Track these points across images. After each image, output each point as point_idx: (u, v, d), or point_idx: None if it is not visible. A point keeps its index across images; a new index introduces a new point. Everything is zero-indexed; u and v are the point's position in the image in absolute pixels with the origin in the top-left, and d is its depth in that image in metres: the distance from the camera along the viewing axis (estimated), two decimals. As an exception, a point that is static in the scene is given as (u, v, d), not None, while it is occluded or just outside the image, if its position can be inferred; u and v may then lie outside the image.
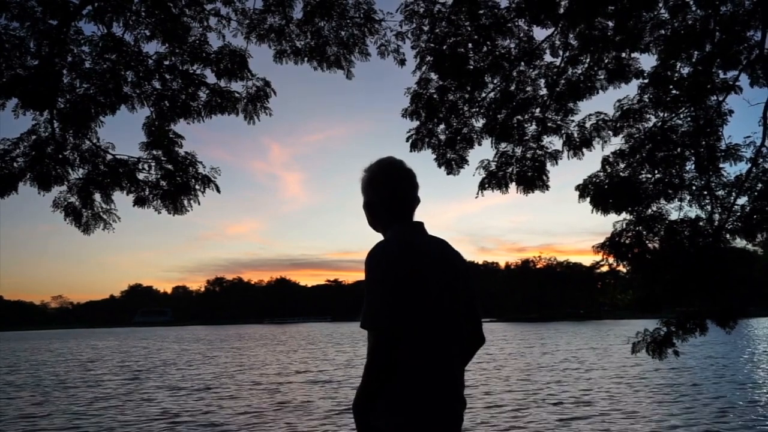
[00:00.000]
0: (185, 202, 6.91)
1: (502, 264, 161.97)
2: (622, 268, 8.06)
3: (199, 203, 6.93)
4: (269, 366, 27.58)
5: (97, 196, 6.87)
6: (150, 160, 6.95)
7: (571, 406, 14.10)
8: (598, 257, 7.92)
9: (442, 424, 2.19)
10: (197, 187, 6.88)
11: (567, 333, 56.45)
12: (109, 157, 6.91)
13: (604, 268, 8.33)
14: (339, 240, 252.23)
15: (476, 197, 7.69)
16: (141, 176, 6.94)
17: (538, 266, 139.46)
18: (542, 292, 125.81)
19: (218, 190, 6.96)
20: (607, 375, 20.40)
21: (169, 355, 37.97)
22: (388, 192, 2.44)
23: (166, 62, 6.84)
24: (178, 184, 6.86)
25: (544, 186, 7.59)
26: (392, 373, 2.15)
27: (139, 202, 6.90)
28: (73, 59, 6.59)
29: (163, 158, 6.93)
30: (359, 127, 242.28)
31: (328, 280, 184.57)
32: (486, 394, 16.47)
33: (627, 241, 7.69)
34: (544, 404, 14.49)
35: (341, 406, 14.68)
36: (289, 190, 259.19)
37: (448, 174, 7.68)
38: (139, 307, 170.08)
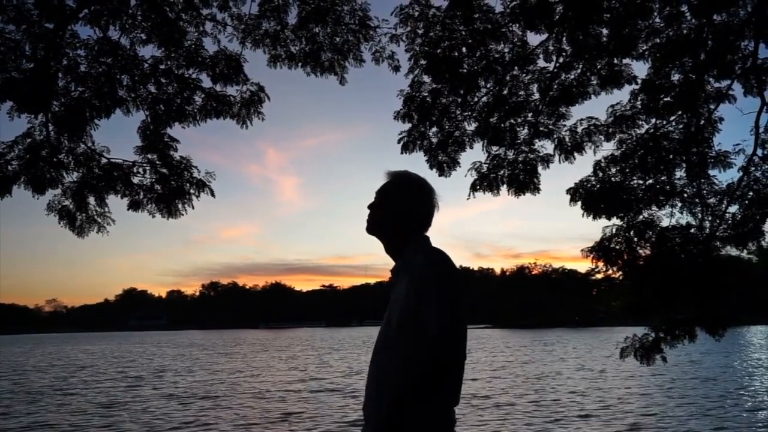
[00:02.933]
0: (180, 206, 6.92)
1: (498, 270, 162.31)
2: (616, 275, 8.09)
3: (193, 207, 6.95)
4: (276, 373, 27.40)
5: (92, 200, 6.88)
6: (145, 164, 6.96)
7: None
8: (594, 264, 7.95)
9: None
10: (192, 191, 6.90)
11: (571, 340, 56.26)
12: (103, 160, 6.92)
13: (600, 275, 8.36)
14: (334, 245, 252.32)
15: (467, 199, 7.78)
16: (136, 180, 6.95)
17: (533, 273, 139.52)
18: (537, 298, 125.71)
19: (213, 195, 6.98)
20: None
21: (169, 362, 37.89)
22: (425, 207, 2.51)
23: (162, 66, 6.86)
24: (172, 188, 6.88)
25: (535, 189, 7.63)
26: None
27: (134, 205, 6.91)
28: (69, 62, 6.60)
29: (157, 162, 6.94)
30: (355, 132, 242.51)
31: (323, 285, 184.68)
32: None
33: (617, 247, 7.73)
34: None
35: (350, 417, 14.36)
36: (284, 195, 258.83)
37: (440, 175, 7.70)
38: (133, 311, 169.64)
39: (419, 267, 2.26)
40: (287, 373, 26.46)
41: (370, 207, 2.54)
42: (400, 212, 2.47)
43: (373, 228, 2.53)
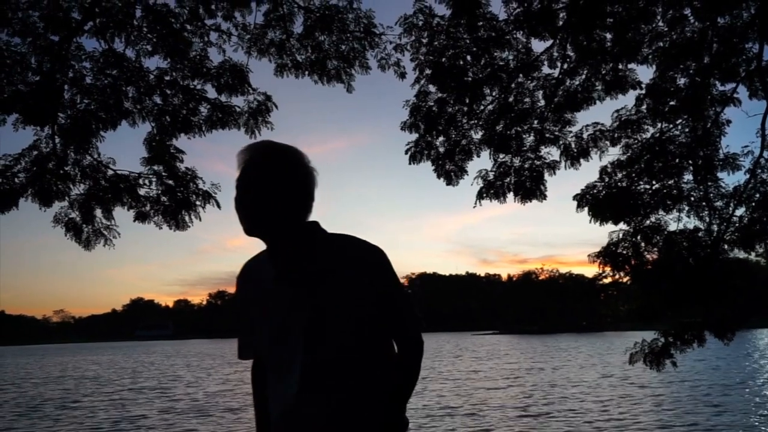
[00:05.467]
0: (186, 217, 6.92)
1: (504, 276, 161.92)
2: (624, 279, 8.07)
3: (200, 219, 6.94)
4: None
5: (98, 212, 6.89)
6: (151, 176, 6.97)
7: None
8: (601, 269, 7.94)
9: None
10: (198, 202, 6.90)
11: (581, 345, 55.89)
12: (110, 172, 6.93)
13: (607, 280, 8.35)
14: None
15: (474, 207, 7.78)
16: (142, 192, 6.96)
17: (540, 278, 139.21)
18: (544, 303, 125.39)
19: (219, 206, 6.97)
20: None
21: (183, 372, 37.85)
22: (313, 183, 2.01)
23: (167, 77, 6.88)
24: (179, 200, 6.88)
25: (541, 195, 7.62)
26: None
27: (140, 217, 6.91)
28: (75, 75, 6.63)
29: (164, 173, 6.95)
30: (359, 140, 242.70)
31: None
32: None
33: (624, 252, 7.70)
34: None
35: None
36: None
37: (447, 185, 7.72)
38: (140, 320, 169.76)
39: (369, 258, 1.96)
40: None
41: (241, 203, 1.96)
42: (287, 197, 1.95)
43: (255, 226, 1.97)
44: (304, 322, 1.90)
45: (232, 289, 2.23)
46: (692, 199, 7.79)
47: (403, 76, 7.35)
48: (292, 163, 1.96)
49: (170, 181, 6.95)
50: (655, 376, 21.52)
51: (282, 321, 1.94)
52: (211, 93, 6.97)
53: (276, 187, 1.92)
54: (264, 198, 1.93)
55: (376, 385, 1.95)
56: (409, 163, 7.65)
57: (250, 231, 1.98)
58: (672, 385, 20.43)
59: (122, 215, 7.07)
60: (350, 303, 1.91)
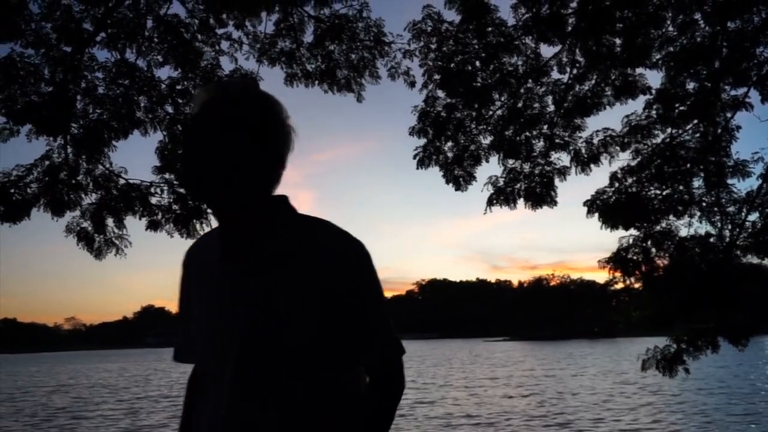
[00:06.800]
0: (197, 225, 6.95)
1: (515, 282, 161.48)
2: (635, 285, 8.03)
3: (210, 227, 6.95)
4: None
5: (110, 221, 6.92)
6: (162, 184, 7.01)
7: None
8: (611, 275, 7.90)
9: None
10: (209, 210, 6.93)
11: (596, 352, 55.34)
12: (121, 181, 6.98)
13: (619, 286, 8.30)
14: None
15: (484, 213, 7.79)
16: (153, 200, 7.00)
17: (551, 284, 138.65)
18: (556, 310, 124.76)
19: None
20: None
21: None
22: (286, 152, 1.53)
23: (179, 87, 6.93)
24: (190, 208, 6.91)
25: (552, 201, 7.60)
26: None
27: (152, 226, 6.95)
28: (87, 85, 6.70)
29: (175, 182, 6.99)
30: (369, 145, 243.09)
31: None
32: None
33: (634, 257, 7.66)
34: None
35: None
36: (299, 210, 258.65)
37: (456, 190, 7.72)
38: (151, 328, 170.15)
39: (343, 250, 1.45)
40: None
41: (192, 153, 1.44)
42: (258, 158, 1.46)
43: (207, 189, 1.45)
44: (243, 323, 1.43)
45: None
46: (704, 204, 7.75)
47: (413, 84, 7.38)
48: (272, 116, 1.48)
49: (182, 190, 6.99)
50: (676, 383, 21.36)
51: (218, 318, 1.47)
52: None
53: (246, 141, 1.42)
54: (227, 153, 1.41)
55: (326, 424, 1.44)
56: (417, 168, 7.65)
57: (197, 194, 1.59)
58: (700, 393, 20.23)
59: (133, 223, 7.10)
60: (309, 306, 1.41)
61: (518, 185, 7.69)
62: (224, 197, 1.45)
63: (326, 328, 1.41)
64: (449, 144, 7.68)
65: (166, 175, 7.03)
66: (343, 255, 1.44)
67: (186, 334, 1.65)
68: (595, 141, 7.63)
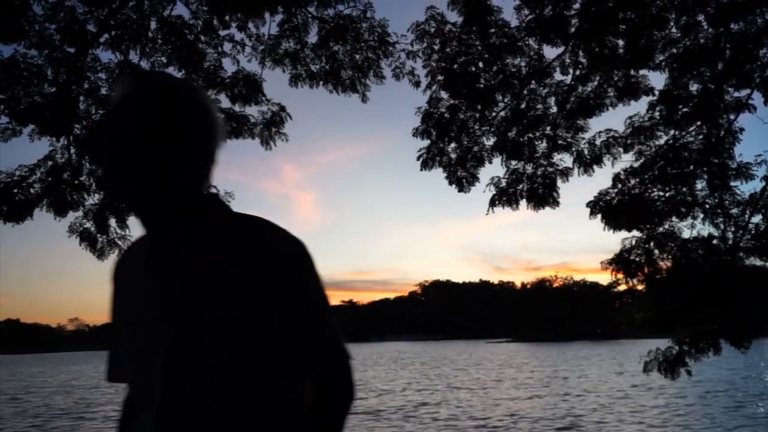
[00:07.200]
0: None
1: (518, 283, 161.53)
2: (638, 286, 8.01)
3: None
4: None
5: (113, 222, 6.93)
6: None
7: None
8: (614, 276, 7.89)
9: None
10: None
11: (602, 353, 55.14)
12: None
13: (622, 287, 8.29)
14: (353, 260, 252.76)
15: (486, 214, 7.77)
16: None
17: (554, 285, 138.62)
18: (559, 311, 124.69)
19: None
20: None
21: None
22: (215, 148, 1.40)
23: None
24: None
25: (554, 202, 7.59)
26: None
27: (155, 225, 6.93)
28: (90, 86, 6.70)
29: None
30: (371, 146, 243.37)
31: (343, 301, 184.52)
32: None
33: (637, 259, 7.65)
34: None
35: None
36: (301, 210, 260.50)
37: (459, 191, 7.72)
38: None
39: (283, 249, 1.33)
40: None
41: (113, 151, 1.31)
42: (186, 153, 1.33)
43: (129, 189, 1.33)
44: (170, 334, 1.29)
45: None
46: (707, 206, 7.74)
47: (417, 85, 7.37)
48: (190, 110, 1.34)
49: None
50: (684, 386, 21.23)
51: (145, 330, 1.34)
52: (225, 103, 7.02)
53: (162, 139, 1.29)
54: (151, 149, 1.29)
55: None
56: (421, 170, 7.66)
57: (118, 194, 1.39)
58: (706, 395, 20.17)
59: (135, 222, 7.09)
60: (248, 311, 1.28)
61: (521, 186, 7.69)
62: (141, 198, 1.33)
63: (267, 334, 1.29)
64: (452, 145, 7.68)
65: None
66: (287, 256, 1.33)
67: (117, 352, 1.51)
68: (598, 142, 7.63)
